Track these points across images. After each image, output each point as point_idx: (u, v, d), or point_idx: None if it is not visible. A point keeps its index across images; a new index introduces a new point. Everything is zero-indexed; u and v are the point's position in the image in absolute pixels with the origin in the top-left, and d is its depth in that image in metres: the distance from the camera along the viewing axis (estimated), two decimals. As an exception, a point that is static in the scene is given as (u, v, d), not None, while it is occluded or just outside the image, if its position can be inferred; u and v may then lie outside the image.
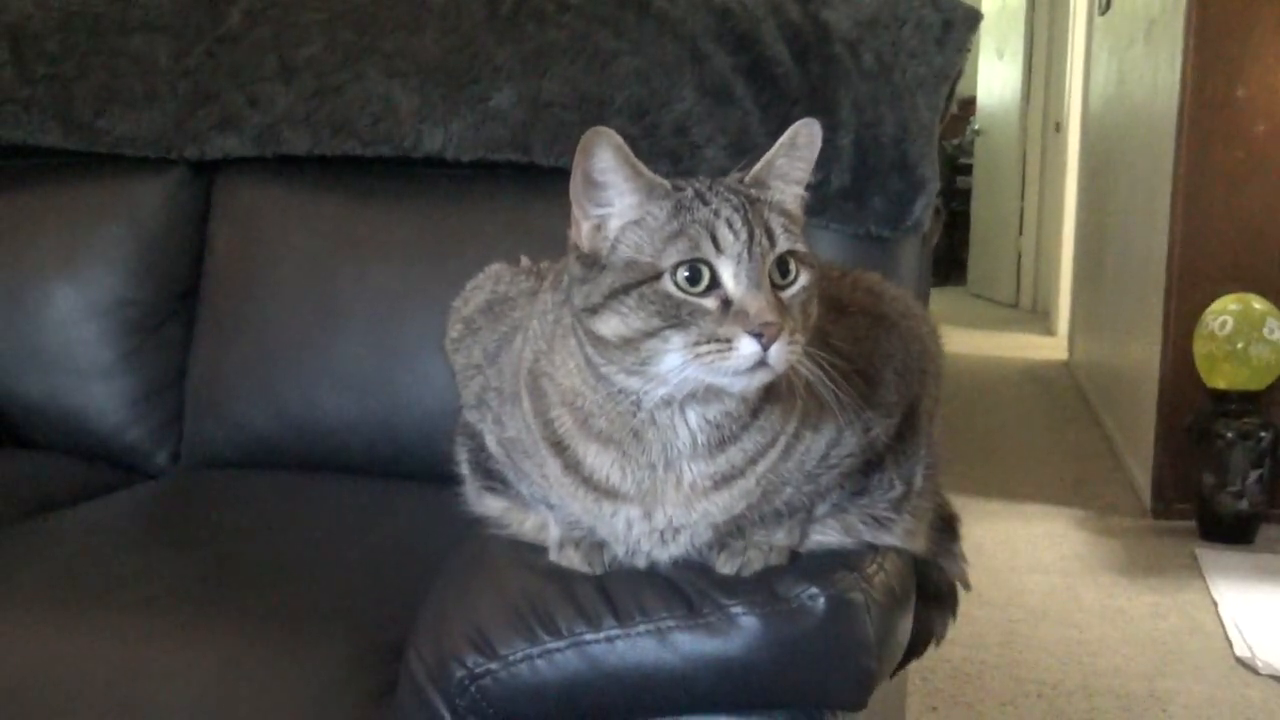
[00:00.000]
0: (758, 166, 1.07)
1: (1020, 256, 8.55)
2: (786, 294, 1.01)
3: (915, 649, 1.47)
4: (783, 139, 1.07)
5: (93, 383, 1.93)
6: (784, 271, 1.02)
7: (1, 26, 2.06)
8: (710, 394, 1.04)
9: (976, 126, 9.19)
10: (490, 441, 1.23)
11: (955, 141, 9.44)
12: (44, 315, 1.94)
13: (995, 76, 8.85)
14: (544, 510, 1.20)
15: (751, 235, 1.00)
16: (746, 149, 1.68)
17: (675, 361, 0.99)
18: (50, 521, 1.63)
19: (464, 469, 1.31)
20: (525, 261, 1.36)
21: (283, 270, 1.89)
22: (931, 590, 1.46)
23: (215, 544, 1.57)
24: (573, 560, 1.16)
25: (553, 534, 1.19)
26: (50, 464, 1.90)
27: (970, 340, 7.13)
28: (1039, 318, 7.98)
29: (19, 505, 1.69)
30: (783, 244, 1.02)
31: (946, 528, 1.46)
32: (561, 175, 1.76)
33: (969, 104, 9.10)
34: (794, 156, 1.07)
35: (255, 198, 1.95)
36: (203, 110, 1.95)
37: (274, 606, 1.37)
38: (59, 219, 2.00)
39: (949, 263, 9.16)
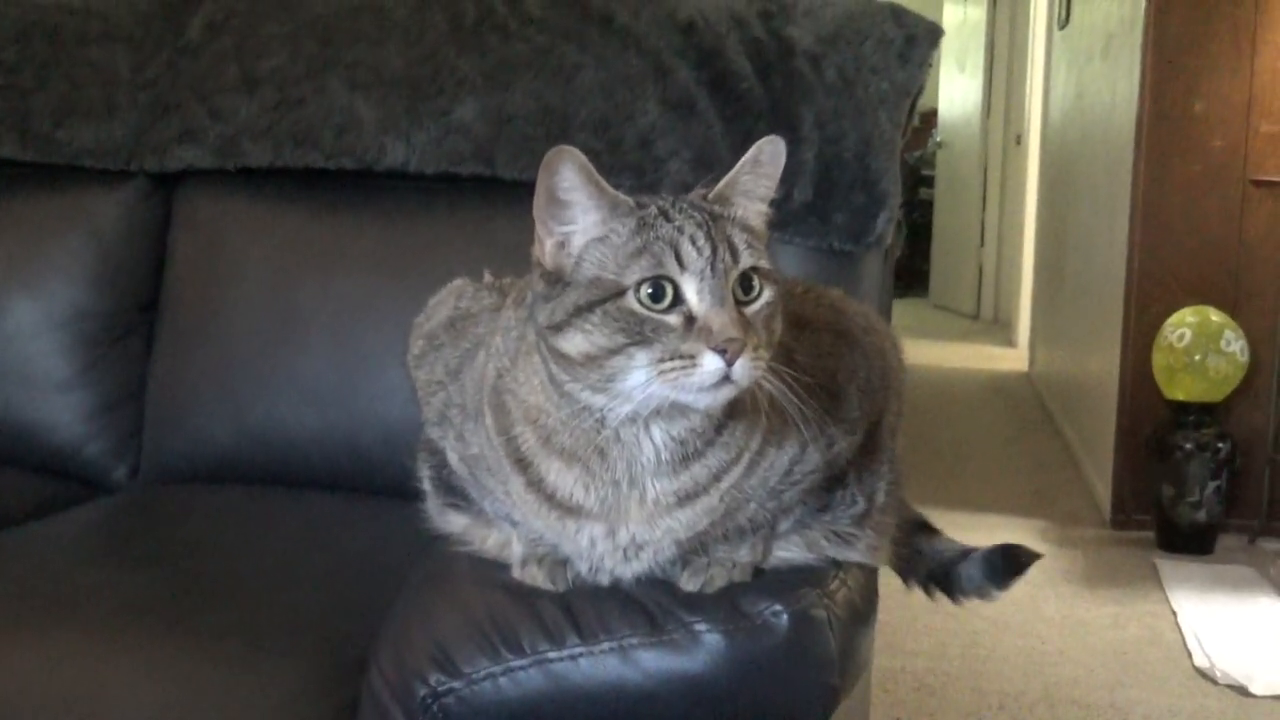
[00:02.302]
0: (721, 183, 1.07)
1: (981, 268, 8.61)
2: (750, 310, 1.02)
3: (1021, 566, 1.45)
4: (747, 156, 1.07)
5: (50, 396, 1.90)
6: (747, 288, 1.02)
7: (-42, 37, 2.04)
8: (675, 410, 1.04)
9: (938, 139, 9.25)
10: (452, 458, 1.22)
11: (917, 154, 9.50)
12: (0, 328, 1.91)
13: (956, 89, 8.92)
14: (507, 527, 1.20)
15: (715, 251, 1.00)
16: (710, 163, 1.69)
17: (640, 378, 0.99)
18: (6, 537, 1.61)
19: (426, 485, 1.30)
20: (488, 277, 1.36)
21: (244, 283, 1.87)
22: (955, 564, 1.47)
23: (175, 560, 1.55)
24: (536, 577, 1.16)
25: (515, 551, 1.19)
26: (6, 479, 1.87)
27: (932, 352, 7.18)
28: (1000, 329, 8.04)
29: (-26, 521, 1.67)
30: (746, 260, 1.02)
31: (925, 527, 1.47)
32: (525, 189, 1.75)
33: (930, 116, 9.17)
34: (758, 173, 1.07)
35: (216, 210, 1.94)
36: (163, 122, 1.94)
37: (234, 623, 1.35)
38: (16, 230, 1.97)
39: (911, 274, 9.21)
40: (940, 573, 1.47)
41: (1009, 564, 1.44)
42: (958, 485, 4.47)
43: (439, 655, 1.12)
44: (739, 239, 1.02)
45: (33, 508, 1.74)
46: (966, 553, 1.46)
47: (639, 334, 0.98)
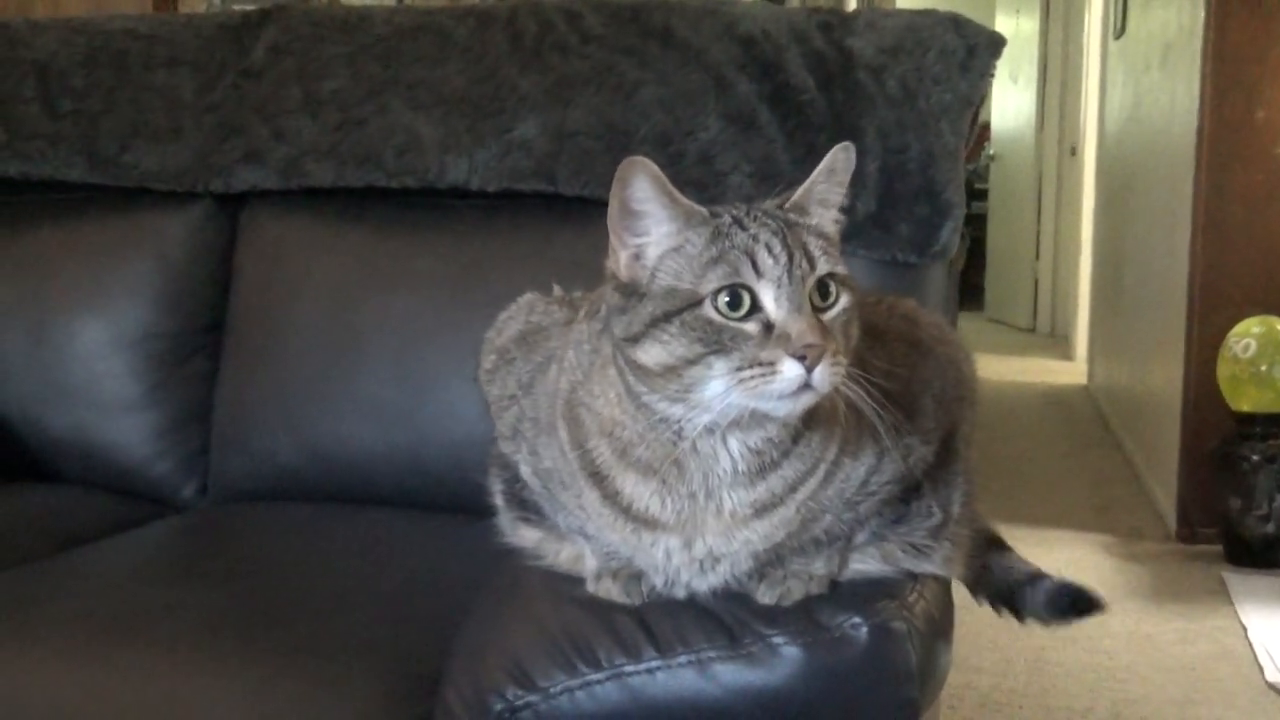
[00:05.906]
0: (798, 193, 1.07)
1: (1037, 281, 8.53)
2: (828, 316, 1.01)
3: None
4: (822, 165, 1.06)
5: (119, 416, 1.93)
6: (824, 294, 1.02)
7: (28, 63, 2.08)
8: (753, 420, 1.03)
9: (991, 151, 9.19)
10: (525, 472, 1.22)
11: (970, 166, 9.42)
12: (70, 349, 1.94)
13: (1009, 101, 8.86)
14: (580, 541, 1.19)
15: (791, 259, 1.00)
16: (771, 176, 1.68)
17: (718, 388, 0.98)
18: (78, 556, 1.63)
19: (498, 500, 1.30)
20: (558, 291, 1.36)
21: (308, 302, 1.89)
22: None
23: (244, 577, 1.56)
24: (610, 591, 1.15)
25: (589, 565, 1.19)
26: (77, 498, 1.89)
27: (989, 365, 7.10)
28: (1057, 342, 7.96)
29: (46, 540, 1.69)
30: (822, 266, 1.02)
31: (995, 542, 1.45)
32: (586, 204, 1.77)
33: (984, 129, 9.11)
34: (832, 181, 1.07)
35: (280, 230, 1.96)
36: (228, 144, 1.96)
37: (304, 640, 1.35)
38: (85, 253, 2.00)
39: (965, 288, 9.12)
40: (1006, 592, 1.44)
41: (1074, 605, 1.40)
42: (1018, 500, 4.42)
43: (515, 670, 1.11)
44: (815, 246, 1.02)
45: (103, 526, 1.75)
46: (1034, 577, 1.43)
47: (717, 343, 0.98)
